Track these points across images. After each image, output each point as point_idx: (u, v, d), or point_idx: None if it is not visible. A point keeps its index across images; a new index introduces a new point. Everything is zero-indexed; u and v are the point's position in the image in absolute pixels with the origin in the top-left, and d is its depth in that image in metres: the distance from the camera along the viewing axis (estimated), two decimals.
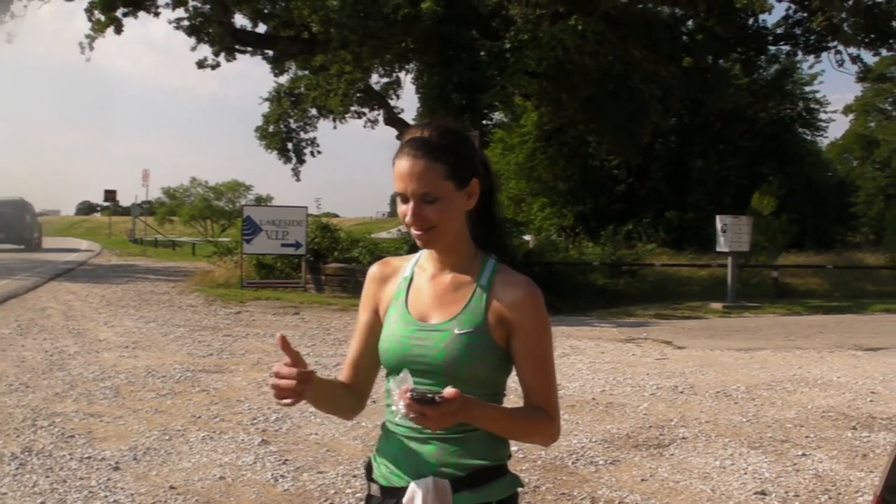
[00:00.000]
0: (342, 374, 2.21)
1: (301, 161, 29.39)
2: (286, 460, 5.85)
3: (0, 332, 11.64)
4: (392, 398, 1.84)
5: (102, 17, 21.06)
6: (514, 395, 2.06)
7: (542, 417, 2.02)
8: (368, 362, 2.16)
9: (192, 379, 8.65)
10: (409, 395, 1.78)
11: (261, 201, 44.14)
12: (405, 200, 1.98)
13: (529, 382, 2.03)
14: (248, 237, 18.52)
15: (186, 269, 25.12)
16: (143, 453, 5.95)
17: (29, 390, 7.92)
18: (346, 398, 2.17)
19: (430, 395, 1.79)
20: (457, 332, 1.98)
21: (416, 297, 2.08)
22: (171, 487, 5.25)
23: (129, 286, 19.16)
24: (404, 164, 1.97)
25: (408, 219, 1.98)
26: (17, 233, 34.52)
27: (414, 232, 2.00)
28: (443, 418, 1.82)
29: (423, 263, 2.13)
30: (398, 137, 24.59)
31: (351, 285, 17.50)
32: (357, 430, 6.51)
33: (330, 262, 18.62)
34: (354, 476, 5.45)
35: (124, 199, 64.71)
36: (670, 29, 23.02)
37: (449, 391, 1.80)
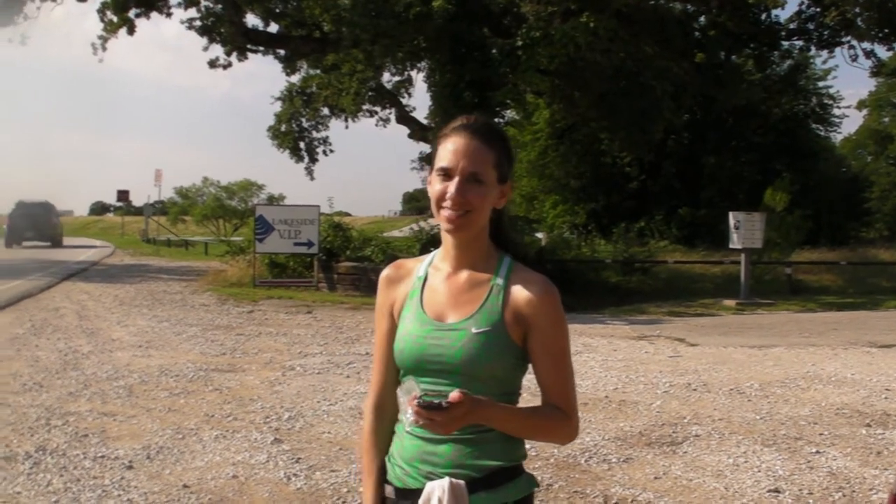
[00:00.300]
0: (370, 394, 2.20)
1: (314, 160, 29.40)
2: (299, 459, 5.86)
3: (14, 331, 11.70)
4: (400, 407, 1.84)
5: (115, 18, 21.13)
6: (526, 394, 2.05)
7: (558, 416, 2.01)
8: (397, 380, 2.12)
9: (205, 378, 8.68)
10: (416, 402, 1.79)
11: (273, 200, 44.25)
12: (448, 177, 1.98)
13: (546, 381, 2.02)
14: (261, 236, 18.56)
15: (199, 268, 25.17)
16: (156, 452, 5.97)
17: (43, 390, 7.96)
18: (385, 448, 2.15)
19: (436, 402, 1.79)
20: (474, 330, 1.97)
21: (432, 296, 2.07)
22: (185, 486, 5.27)
23: (142, 286, 19.23)
24: (459, 140, 1.99)
25: (449, 195, 1.96)
26: (44, 231, 38.25)
27: (447, 213, 1.98)
28: (452, 422, 1.82)
29: (437, 263, 2.12)
30: (410, 136, 24.73)
31: (363, 284, 17.52)
32: None
33: (342, 260, 18.64)
34: None
35: (137, 200, 64.82)
36: (682, 25, 22.90)
37: (454, 395, 1.80)
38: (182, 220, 54.26)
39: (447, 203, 1.97)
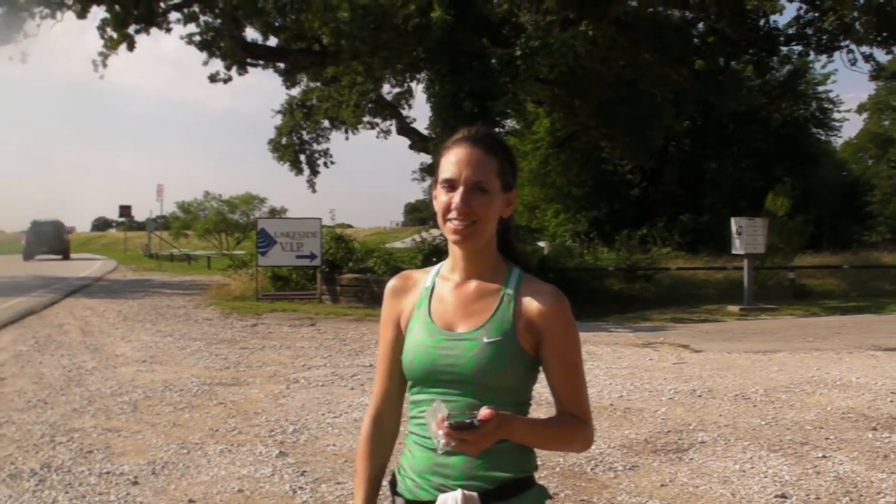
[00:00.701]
0: (370, 404, 2.20)
1: (315, 172, 29.50)
2: (304, 472, 5.84)
3: (18, 348, 11.70)
4: (429, 430, 1.82)
5: (115, 35, 21.17)
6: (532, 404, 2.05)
7: (575, 424, 2.01)
8: (399, 392, 2.15)
9: (210, 392, 8.67)
10: (446, 424, 1.77)
11: (275, 213, 44.38)
12: (452, 188, 1.98)
13: (560, 390, 2.02)
14: (263, 249, 18.57)
15: (202, 282, 25.19)
16: (161, 467, 5.96)
17: (47, 406, 7.95)
18: (384, 462, 2.18)
19: (467, 421, 1.77)
20: (486, 340, 1.96)
21: (440, 306, 2.06)
22: (190, 501, 5.26)
23: (145, 301, 19.24)
24: (462, 150, 1.99)
25: (454, 205, 1.96)
26: (55, 246, 43.84)
27: (453, 225, 1.97)
28: (483, 440, 1.80)
29: (445, 274, 2.11)
30: (411, 147, 24.78)
31: (366, 295, 17.52)
32: None
33: (345, 272, 18.64)
34: None
35: (139, 215, 65.10)
36: (681, 32, 22.99)
37: (485, 412, 1.78)
38: (184, 234, 54.42)
39: (453, 214, 1.96)
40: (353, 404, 8.02)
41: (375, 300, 16.71)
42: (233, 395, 8.51)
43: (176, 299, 19.58)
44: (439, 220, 2.02)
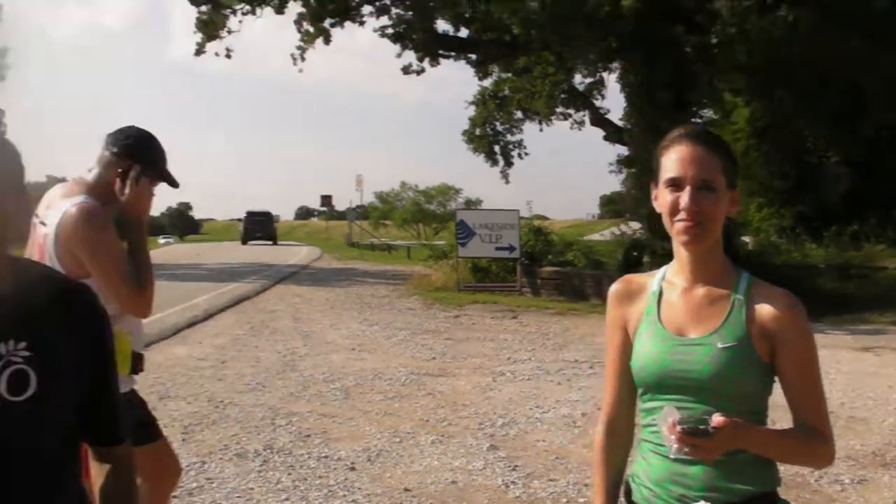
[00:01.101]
0: (603, 410, 2.16)
1: (509, 163, 29.62)
2: (516, 466, 5.85)
3: (235, 332, 12.37)
4: (661, 434, 1.80)
5: (311, 29, 21.94)
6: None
7: (815, 438, 1.91)
8: (631, 398, 2.09)
9: (418, 382, 8.85)
10: (678, 429, 1.73)
11: (470, 204, 44.94)
12: (678, 188, 1.91)
13: (799, 400, 1.93)
14: (463, 241, 18.81)
15: (403, 272, 25.75)
16: (376, 455, 6.13)
17: (265, 390, 8.36)
18: (621, 469, 2.12)
19: (701, 428, 1.73)
20: (720, 345, 1.88)
21: (669, 311, 2.00)
22: (406, 490, 5.37)
23: (350, 289, 19.91)
24: (685, 149, 1.93)
25: (683, 205, 1.89)
26: (268, 233, 52.27)
27: (681, 225, 1.91)
28: (717, 448, 1.76)
29: (670, 278, 2.05)
30: (605, 138, 24.32)
31: (567, 289, 17.38)
32: (586, 438, 6.43)
33: (545, 265, 18.59)
34: (586, 485, 5.36)
35: (339, 204, 67.94)
36: (891, 14, 21.45)
37: (718, 419, 1.74)
38: (383, 224, 56.12)
39: (682, 215, 1.90)
40: (560, 400, 7.97)
41: (576, 294, 16.61)
42: (440, 386, 8.65)
43: (379, 288, 20.14)
44: (665, 220, 1.96)
